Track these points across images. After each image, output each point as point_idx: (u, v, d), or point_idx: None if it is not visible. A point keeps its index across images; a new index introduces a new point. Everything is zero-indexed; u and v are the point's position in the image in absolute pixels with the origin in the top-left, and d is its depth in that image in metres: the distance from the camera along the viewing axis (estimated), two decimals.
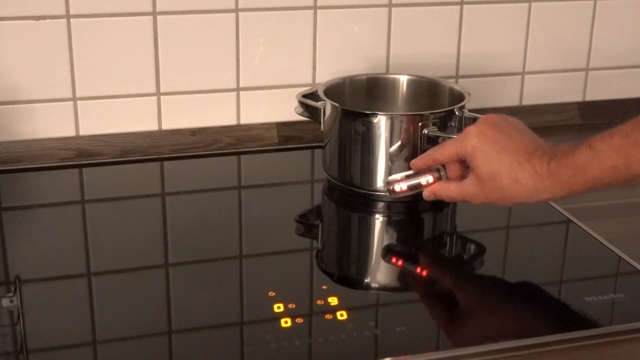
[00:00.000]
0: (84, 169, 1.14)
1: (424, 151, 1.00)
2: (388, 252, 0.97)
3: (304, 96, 1.09)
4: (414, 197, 0.98)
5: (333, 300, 0.82)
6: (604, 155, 0.79)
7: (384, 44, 1.24)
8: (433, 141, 0.99)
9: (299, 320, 0.79)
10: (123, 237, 0.97)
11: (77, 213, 1.04)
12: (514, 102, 1.33)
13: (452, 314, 0.83)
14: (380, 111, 1.01)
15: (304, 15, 1.20)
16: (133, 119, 1.18)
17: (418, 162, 0.94)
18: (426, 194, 0.93)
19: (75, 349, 0.76)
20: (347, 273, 0.95)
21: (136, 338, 0.78)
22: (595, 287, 0.86)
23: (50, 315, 0.81)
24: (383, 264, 0.96)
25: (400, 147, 1.00)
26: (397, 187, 0.95)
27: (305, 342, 0.76)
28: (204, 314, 0.81)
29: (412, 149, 1.00)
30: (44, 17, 1.11)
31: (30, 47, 1.11)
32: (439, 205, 1.04)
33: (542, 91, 1.34)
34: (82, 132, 1.17)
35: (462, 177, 0.91)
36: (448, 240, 1.01)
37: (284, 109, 1.20)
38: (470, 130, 0.87)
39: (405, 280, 0.93)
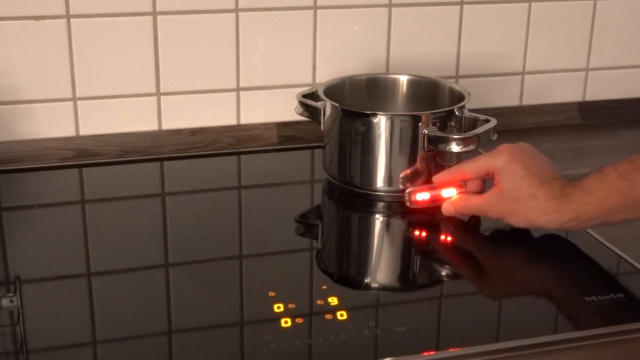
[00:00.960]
0: (84, 169, 1.14)
1: (424, 151, 1.00)
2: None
3: (304, 96, 1.09)
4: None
5: (333, 300, 0.82)
6: (610, 179, 0.86)
7: (384, 44, 1.24)
8: (433, 141, 0.99)
9: (299, 320, 0.79)
10: (123, 237, 0.97)
11: (77, 213, 1.04)
12: (514, 102, 1.33)
13: (451, 313, 0.83)
14: (380, 111, 1.01)
15: (304, 15, 1.20)
16: (133, 119, 1.18)
17: (442, 177, 0.99)
18: (446, 206, 0.98)
19: (75, 349, 0.76)
20: (347, 273, 0.95)
21: (136, 338, 0.78)
22: (595, 287, 0.86)
23: (50, 315, 0.81)
24: (383, 264, 0.96)
25: (400, 148, 1.01)
26: (420, 197, 0.98)
27: (305, 342, 0.76)
28: (204, 314, 0.81)
29: (412, 149, 1.00)
30: (44, 17, 1.11)
31: (30, 47, 1.11)
32: (439, 205, 1.05)
33: (542, 91, 1.34)
34: (82, 132, 1.17)
35: (480, 191, 0.97)
36: (448, 240, 1.01)
37: (284, 109, 1.20)
38: (503, 148, 0.94)
39: (405, 280, 0.93)
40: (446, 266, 0.94)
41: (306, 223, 1.03)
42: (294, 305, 0.81)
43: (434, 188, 0.99)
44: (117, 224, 1.00)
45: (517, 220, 0.92)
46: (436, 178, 0.99)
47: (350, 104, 1.07)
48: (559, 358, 0.76)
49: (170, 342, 0.78)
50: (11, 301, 0.81)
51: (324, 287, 0.86)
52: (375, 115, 1.00)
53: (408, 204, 0.99)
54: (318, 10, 1.20)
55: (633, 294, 0.85)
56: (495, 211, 0.93)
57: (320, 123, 1.06)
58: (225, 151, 1.21)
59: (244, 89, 1.21)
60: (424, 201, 0.99)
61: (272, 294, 0.83)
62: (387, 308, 0.86)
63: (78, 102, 1.15)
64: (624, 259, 0.91)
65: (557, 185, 0.89)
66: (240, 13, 1.17)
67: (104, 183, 1.12)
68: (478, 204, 0.95)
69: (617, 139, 1.30)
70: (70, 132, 1.16)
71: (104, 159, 1.17)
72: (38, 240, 0.96)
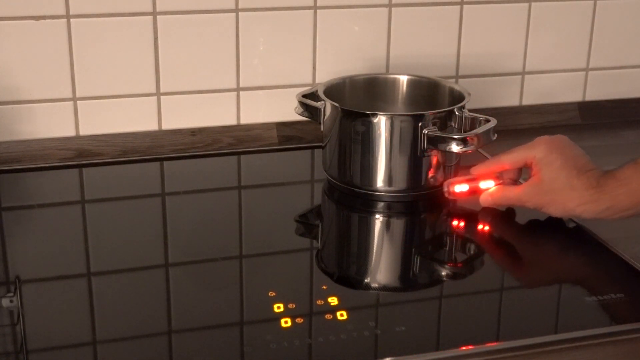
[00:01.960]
0: (84, 169, 1.14)
1: (424, 151, 1.00)
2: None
3: (304, 96, 1.09)
4: (413, 197, 1.02)
5: (333, 300, 0.82)
6: None
7: (384, 44, 1.24)
8: (433, 141, 0.99)
9: (299, 320, 0.79)
10: (123, 237, 0.97)
11: (77, 213, 1.04)
12: (514, 102, 1.33)
13: (451, 313, 0.83)
14: (380, 111, 1.01)
15: (304, 15, 1.20)
16: (133, 119, 1.18)
17: (480, 168, 1.01)
18: (484, 197, 1.00)
19: (75, 349, 0.76)
20: (347, 273, 0.95)
21: (136, 338, 0.78)
22: (595, 287, 0.86)
23: (50, 315, 0.81)
24: (383, 264, 0.96)
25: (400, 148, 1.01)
26: (458, 189, 1.01)
27: (305, 342, 0.76)
28: (204, 314, 0.81)
29: (412, 149, 1.00)
30: (44, 17, 1.11)
31: (30, 47, 1.11)
32: (439, 205, 1.05)
33: (542, 91, 1.34)
34: (82, 132, 1.17)
35: (516, 181, 1.00)
36: (448, 240, 1.01)
37: (284, 109, 1.20)
38: (542, 140, 0.96)
39: (405, 280, 0.93)
40: (446, 266, 0.94)
41: (306, 223, 1.03)
42: (294, 305, 0.81)
43: (472, 180, 1.01)
44: (117, 224, 1.00)
45: (555, 209, 0.94)
46: (474, 170, 1.01)
47: (350, 104, 1.07)
48: (559, 358, 0.76)
49: (170, 342, 0.78)
50: (11, 301, 0.81)
51: (324, 287, 0.86)
52: (375, 115, 1.00)
53: (447, 195, 1.01)
54: (318, 10, 1.20)
55: (633, 294, 0.85)
56: (534, 201, 0.95)
57: (320, 123, 1.06)
58: (225, 151, 1.21)
59: (244, 89, 1.21)
60: (462, 193, 1.01)
61: (272, 294, 0.83)
62: (387, 308, 0.86)
63: (78, 102, 1.15)
64: (624, 259, 0.91)
65: (593, 175, 0.91)
66: (240, 13, 1.17)
67: (104, 183, 1.12)
68: (516, 194, 0.97)
69: (617, 139, 1.30)
70: (70, 132, 1.16)
71: (104, 159, 1.17)
72: (38, 240, 0.96)
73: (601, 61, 1.35)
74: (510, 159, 0.99)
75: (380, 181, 1.02)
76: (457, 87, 1.10)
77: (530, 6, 1.28)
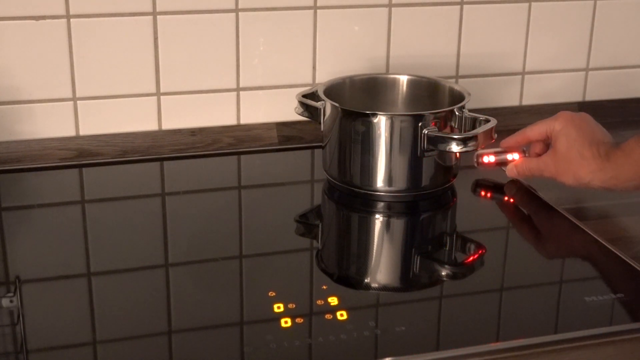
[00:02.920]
0: (84, 169, 1.14)
1: (424, 151, 1.00)
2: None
3: (304, 96, 1.09)
4: (413, 197, 1.02)
5: (333, 300, 0.82)
6: None
7: (384, 44, 1.24)
8: (433, 141, 0.99)
9: (299, 320, 0.79)
10: (123, 237, 0.97)
11: (77, 213, 1.04)
12: (514, 102, 1.33)
13: (451, 313, 0.83)
14: (380, 111, 1.01)
15: (304, 15, 1.20)
16: (133, 119, 1.18)
17: (509, 140, 1.07)
18: (510, 168, 1.07)
19: (75, 349, 0.76)
20: (347, 273, 0.95)
21: (136, 338, 0.78)
22: (595, 287, 0.86)
23: (50, 315, 0.81)
24: (383, 264, 0.96)
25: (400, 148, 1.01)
26: (486, 159, 1.08)
27: (305, 342, 0.76)
28: (204, 314, 0.81)
29: (412, 149, 1.00)
30: (44, 17, 1.11)
31: (30, 47, 1.11)
32: (439, 205, 1.05)
33: (542, 91, 1.34)
34: (82, 132, 1.17)
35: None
36: (448, 240, 1.01)
37: (284, 109, 1.20)
38: (563, 113, 1.02)
39: (405, 280, 0.93)
40: (446, 266, 0.94)
41: (306, 223, 1.03)
42: (294, 305, 0.81)
43: (499, 152, 1.08)
44: (117, 224, 1.00)
45: (567, 178, 0.99)
46: (503, 142, 1.07)
47: (350, 104, 1.07)
48: (559, 358, 0.76)
49: (170, 342, 0.78)
50: (11, 301, 0.81)
51: (324, 287, 0.86)
52: (375, 115, 1.00)
53: (476, 165, 1.09)
54: (318, 10, 1.20)
55: (633, 294, 0.85)
56: (550, 170, 1.01)
57: (320, 123, 1.06)
58: (225, 151, 1.21)
59: (244, 89, 1.21)
60: (490, 163, 1.08)
61: (272, 294, 0.83)
62: (387, 308, 0.86)
63: (78, 102, 1.15)
64: (624, 259, 0.91)
65: (603, 147, 0.97)
66: (240, 13, 1.17)
67: (104, 183, 1.12)
68: (536, 164, 1.03)
69: (617, 139, 1.29)
70: (70, 132, 1.16)
71: (104, 159, 1.17)
72: (38, 240, 0.96)
73: (601, 61, 1.35)
74: (533, 130, 1.04)
75: (380, 181, 1.02)
76: (457, 87, 1.10)
77: (530, 6, 1.28)
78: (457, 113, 1.03)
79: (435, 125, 1.00)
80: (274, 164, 1.20)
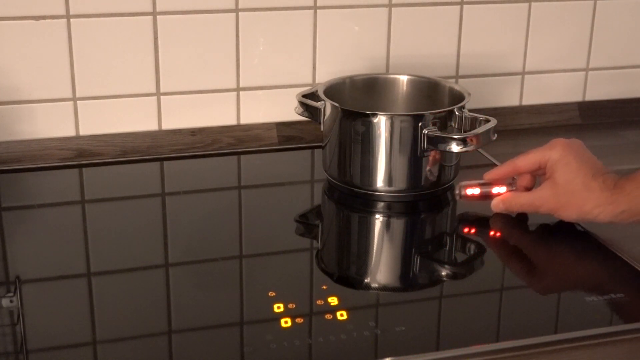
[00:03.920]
0: (84, 169, 1.14)
1: (424, 151, 1.00)
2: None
3: (304, 96, 1.09)
4: (413, 197, 1.02)
5: (333, 300, 0.82)
6: None
7: (384, 44, 1.24)
8: (433, 141, 0.99)
9: (299, 320, 0.79)
10: (123, 237, 0.97)
11: (77, 213, 1.04)
12: (514, 102, 1.33)
13: (451, 313, 0.83)
14: (380, 111, 1.01)
15: (304, 15, 1.20)
16: (133, 119, 1.18)
17: (495, 172, 0.99)
18: (495, 202, 0.98)
19: (75, 349, 0.76)
20: (347, 273, 0.95)
21: (136, 338, 0.78)
22: (595, 287, 0.86)
23: (50, 315, 0.81)
24: (383, 264, 0.96)
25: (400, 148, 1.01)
26: (470, 192, 0.99)
27: (305, 342, 0.76)
28: (204, 314, 0.81)
29: (412, 149, 1.00)
30: (44, 17, 1.11)
31: (30, 47, 1.11)
32: (439, 205, 1.05)
33: (542, 91, 1.34)
34: (82, 132, 1.17)
35: (530, 189, 0.97)
36: (448, 240, 1.01)
37: (284, 109, 1.20)
38: (557, 142, 0.94)
39: (405, 280, 0.93)
40: (446, 266, 0.94)
41: (306, 223, 1.03)
42: (294, 305, 0.81)
43: (484, 185, 0.99)
44: (117, 224, 1.00)
45: (570, 212, 0.92)
46: (488, 174, 0.99)
47: (350, 104, 1.07)
48: (559, 358, 0.76)
49: (170, 342, 0.78)
50: (11, 301, 0.81)
51: (324, 287, 0.86)
52: (375, 115, 1.00)
53: (458, 198, 1.00)
54: (318, 10, 1.20)
55: (633, 294, 0.85)
56: (548, 205, 0.93)
57: (320, 123, 1.06)
58: (225, 151, 1.21)
59: (244, 89, 1.21)
60: (473, 196, 1.00)
61: (272, 294, 0.83)
62: (387, 308, 0.86)
63: (78, 102, 1.15)
64: (624, 259, 0.91)
65: (610, 178, 0.90)
66: (240, 13, 1.17)
67: (104, 183, 1.12)
68: (529, 199, 0.95)
69: (617, 139, 1.30)
70: (70, 132, 1.16)
71: (104, 159, 1.17)
72: (38, 240, 0.96)
73: (601, 61, 1.35)
74: (524, 161, 0.96)
75: (380, 181, 1.02)
76: (457, 87, 1.10)
77: (530, 6, 1.28)
78: (457, 113, 1.03)
79: (435, 125, 1.00)
80: (274, 164, 1.20)
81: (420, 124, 1.00)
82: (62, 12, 1.11)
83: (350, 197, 1.05)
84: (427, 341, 0.78)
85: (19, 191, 1.09)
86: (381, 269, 0.95)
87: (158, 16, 1.14)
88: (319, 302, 0.82)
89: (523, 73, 1.32)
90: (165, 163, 1.17)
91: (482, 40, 1.28)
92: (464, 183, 1.00)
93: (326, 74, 1.20)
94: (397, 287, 0.92)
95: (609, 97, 1.37)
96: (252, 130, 1.23)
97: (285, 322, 0.79)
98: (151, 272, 0.90)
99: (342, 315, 0.80)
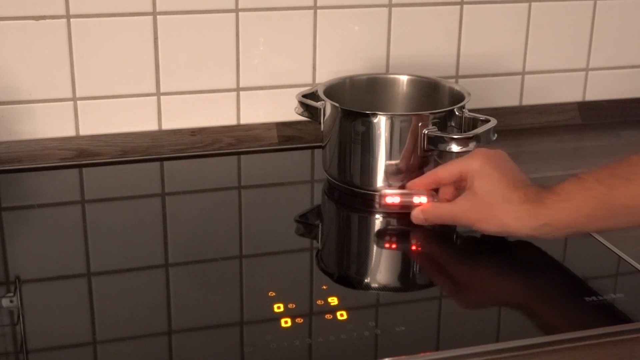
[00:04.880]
0: (84, 169, 1.14)
1: (424, 151, 1.00)
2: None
3: (304, 96, 1.09)
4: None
5: (333, 300, 0.82)
6: (588, 184, 0.82)
7: (384, 44, 1.24)
8: (433, 141, 0.99)
9: (299, 320, 0.79)
10: (123, 237, 0.97)
11: (77, 213, 1.04)
12: (514, 102, 1.33)
13: (451, 313, 0.83)
14: (380, 111, 1.01)
15: (304, 15, 1.20)
16: (133, 119, 1.18)
17: (417, 182, 0.97)
18: (415, 212, 0.95)
19: (75, 349, 0.76)
20: (347, 273, 0.95)
21: (136, 338, 0.78)
22: (595, 287, 0.86)
23: (50, 315, 0.81)
24: (383, 264, 0.96)
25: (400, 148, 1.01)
26: (390, 200, 0.97)
27: (305, 342, 0.76)
28: (204, 314, 0.81)
29: (412, 149, 1.00)
30: (44, 17, 1.11)
31: (30, 47, 1.11)
32: None
33: (542, 91, 1.34)
34: (82, 132, 1.17)
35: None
36: (448, 240, 1.01)
37: (284, 109, 1.20)
38: (479, 152, 0.92)
39: (405, 280, 0.93)
40: (445, 266, 0.94)
41: (306, 223, 1.03)
42: (294, 305, 0.81)
43: (405, 194, 0.97)
44: (117, 224, 1.00)
45: (490, 225, 0.88)
46: (410, 184, 0.98)
47: (350, 104, 1.07)
48: (559, 358, 0.76)
49: (170, 342, 0.78)
50: (11, 301, 0.81)
51: (324, 287, 0.86)
52: (375, 115, 1.00)
53: (378, 206, 0.99)
54: (318, 10, 1.20)
55: (633, 294, 0.85)
56: (468, 217, 0.90)
57: (320, 123, 1.06)
58: (225, 151, 1.21)
59: (244, 89, 1.21)
60: (393, 204, 0.97)
61: (272, 294, 0.83)
62: (387, 308, 0.86)
63: (78, 102, 1.15)
64: (623, 259, 0.91)
65: (532, 190, 0.86)
66: (240, 13, 1.17)
67: (104, 183, 1.12)
68: (448, 210, 0.92)
69: (617, 139, 1.30)
70: (70, 132, 1.16)
71: (104, 159, 1.17)
72: (38, 240, 0.96)
73: (601, 61, 1.35)
74: (446, 172, 0.94)
75: (380, 181, 1.02)
76: (457, 87, 1.10)
77: (530, 6, 1.28)
78: (457, 113, 1.03)
79: (435, 125, 1.00)
80: (274, 164, 1.20)
81: (420, 124, 1.00)
82: (62, 12, 1.11)
83: (350, 197, 1.05)
84: (427, 341, 0.78)
85: (19, 191, 1.09)
86: (381, 269, 0.95)
87: (158, 16, 1.14)
88: (319, 302, 0.82)
89: (523, 73, 1.32)
90: (165, 163, 1.17)
91: (482, 40, 1.28)
92: (384, 191, 0.98)
93: (326, 74, 1.20)
94: (397, 287, 0.92)
95: (609, 97, 1.37)
96: (252, 130, 1.23)
97: (285, 322, 0.79)
98: (151, 272, 0.90)
99: (342, 315, 0.80)
